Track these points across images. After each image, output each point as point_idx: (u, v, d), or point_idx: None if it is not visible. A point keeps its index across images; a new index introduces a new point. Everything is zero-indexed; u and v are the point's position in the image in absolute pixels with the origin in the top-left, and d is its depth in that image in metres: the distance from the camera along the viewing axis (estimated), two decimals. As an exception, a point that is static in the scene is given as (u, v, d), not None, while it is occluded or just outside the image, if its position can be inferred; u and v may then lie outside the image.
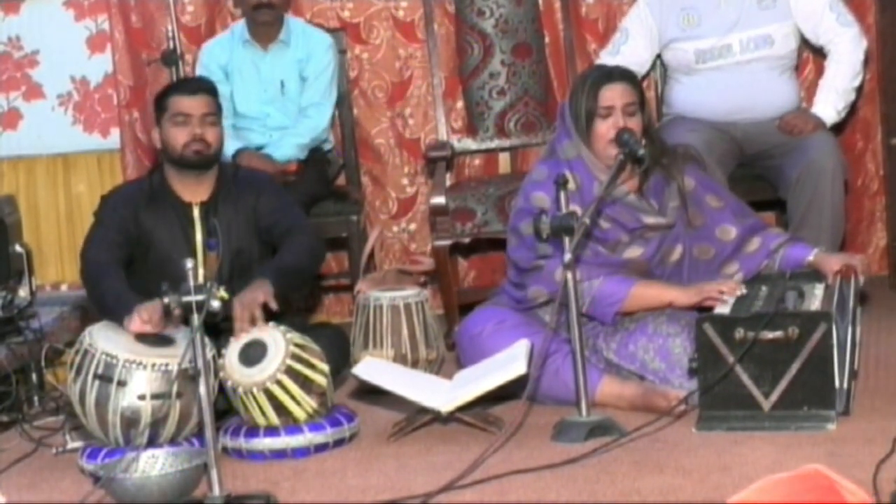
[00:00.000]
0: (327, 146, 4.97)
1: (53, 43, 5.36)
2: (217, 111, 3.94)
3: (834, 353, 3.33)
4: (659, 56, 4.76)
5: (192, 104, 3.89)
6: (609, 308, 3.72)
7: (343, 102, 5.07)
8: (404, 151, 5.19)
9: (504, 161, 5.10)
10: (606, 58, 4.65)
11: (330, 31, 5.03)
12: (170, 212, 3.90)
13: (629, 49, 4.69)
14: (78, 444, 3.64)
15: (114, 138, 5.32)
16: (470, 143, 5.02)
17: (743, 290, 3.63)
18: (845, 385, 3.41)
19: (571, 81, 4.76)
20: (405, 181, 5.22)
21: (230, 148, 4.65)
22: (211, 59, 4.86)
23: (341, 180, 5.10)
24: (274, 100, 4.85)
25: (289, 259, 3.84)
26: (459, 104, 5.12)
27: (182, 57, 4.89)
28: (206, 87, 3.96)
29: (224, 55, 4.86)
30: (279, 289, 3.68)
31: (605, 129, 3.79)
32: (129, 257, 3.87)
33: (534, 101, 4.97)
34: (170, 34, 4.89)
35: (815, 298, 3.60)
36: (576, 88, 3.90)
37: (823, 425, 3.32)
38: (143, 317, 3.55)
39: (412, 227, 5.23)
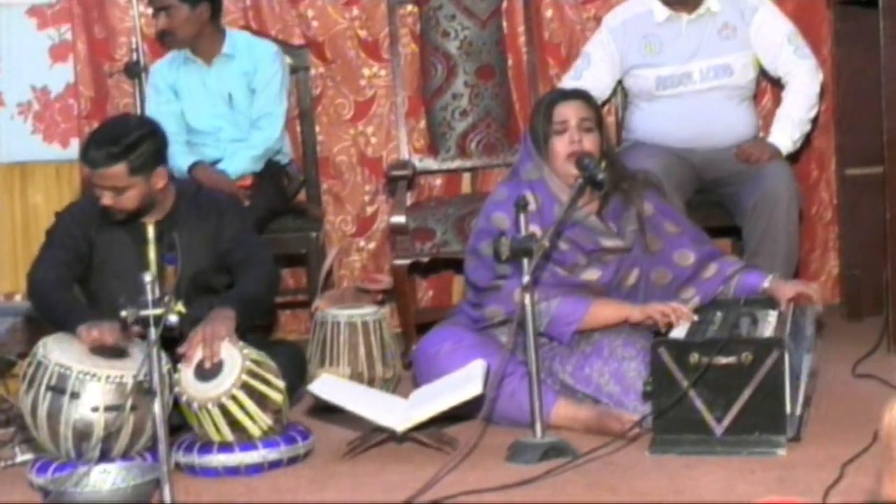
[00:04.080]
0: (284, 159, 4.95)
1: (15, 51, 5.32)
2: (134, 175, 3.70)
3: (786, 380, 3.37)
4: (620, 82, 4.80)
5: (97, 178, 3.73)
6: (567, 327, 3.74)
7: (306, 120, 5.07)
8: (366, 170, 5.19)
9: (465, 182, 5.12)
10: (569, 82, 4.68)
11: (294, 48, 5.04)
12: (123, 229, 3.85)
13: (591, 74, 4.72)
14: (27, 456, 3.61)
15: (73, 149, 5.27)
16: (431, 163, 5.04)
17: (694, 318, 3.67)
18: (797, 411, 3.45)
19: (533, 104, 4.78)
20: (366, 199, 5.22)
21: (185, 162, 4.66)
22: (160, 79, 4.86)
23: (301, 197, 5.10)
24: (224, 113, 4.84)
25: (251, 289, 3.81)
26: (422, 124, 5.13)
27: (145, 69, 4.89)
28: (112, 158, 3.68)
29: (172, 74, 4.85)
30: (241, 319, 3.65)
31: (561, 145, 3.83)
32: (80, 276, 3.84)
33: (496, 122, 5.00)
34: (133, 46, 4.88)
35: (769, 325, 3.63)
36: (535, 110, 3.97)
37: (774, 451, 3.36)
38: (94, 334, 3.52)
39: (371, 245, 5.23)
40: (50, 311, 3.72)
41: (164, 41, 4.94)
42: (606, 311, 3.78)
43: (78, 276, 3.84)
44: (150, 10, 4.88)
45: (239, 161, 4.73)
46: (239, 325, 3.62)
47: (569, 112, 3.85)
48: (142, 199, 3.77)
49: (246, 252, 3.88)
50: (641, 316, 3.74)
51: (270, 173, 4.84)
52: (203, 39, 4.79)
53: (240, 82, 4.82)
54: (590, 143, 3.82)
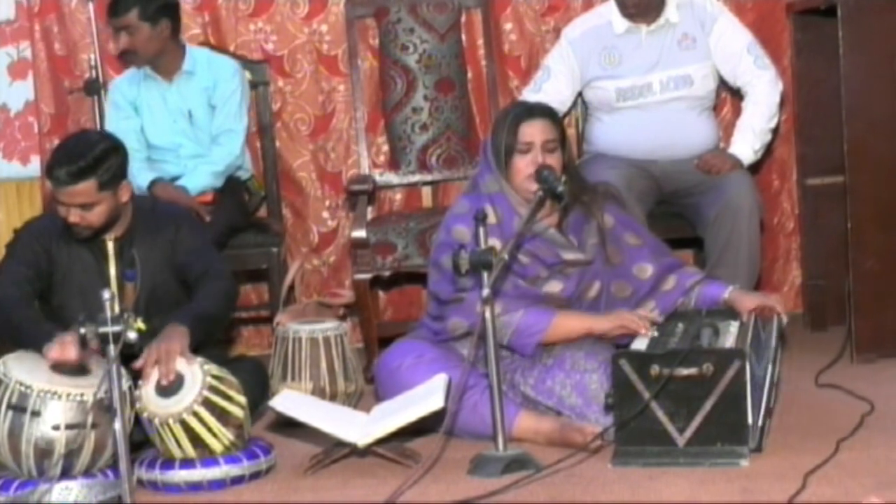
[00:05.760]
0: (244, 175, 4.94)
1: (-27, 69, 5.31)
2: (102, 190, 3.70)
3: (747, 390, 3.37)
4: (580, 94, 4.82)
5: (65, 196, 3.70)
6: (531, 339, 3.74)
7: (265, 135, 5.07)
8: (326, 184, 5.19)
9: (426, 195, 5.13)
10: (528, 95, 4.69)
11: (254, 63, 5.03)
12: (83, 246, 3.83)
13: (551, 87, 4.73)
14: (-11, 475, 3.59)
15: (34, 166, 5.26)
16: (392, 178, 5.04)
17: (655, 331, 3.68)
18: (759, 422, 3.46)
19: (493, 117, 4.79)
20: (326, 214, 5.21)
21: (145, 179, 4.64)
22: (119, 95, 4.84)
23: (262, 212, 5.09)
24: (184, 130, 4.83)
25: (206, 305, 3.76)
26: (382, 138, 5.14)
27: (104, 86, 4.87)
28: (81, 174, 3.66)
29: (132, 91, 4.84)
30: (195, 336, 3.62)
31: (523, 164, 3.83)
32: (41, 292, 3.82)
33: (456, 136, 5.00)
34: (92, 63, 4.86)
35: (730, 336, 3.65)
36: (497, 124, 3.95)
37: (737, 461, 3.36)
38: (67, 351, 3.49)
39: (332, 259, 5.23)
40: (13, 330, 3.70)
41: (125, 60, 4.91)
42: (571, 322, 3.78)
43: (38, 293, 3.82)
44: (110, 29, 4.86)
45: (199, 177, 4.72)
46: (193, 341, 3.60)
47: (534, 133, 3.84)
48: (109, 213, 3.77)
49: (203, 266, 3.86)
50: (609, 325, 3.75)
51: (231, 189, 4.83)
52: (164, 56, 4.78)
53: (200, 98, 4.81)
54: (552, 161, 3.82)
